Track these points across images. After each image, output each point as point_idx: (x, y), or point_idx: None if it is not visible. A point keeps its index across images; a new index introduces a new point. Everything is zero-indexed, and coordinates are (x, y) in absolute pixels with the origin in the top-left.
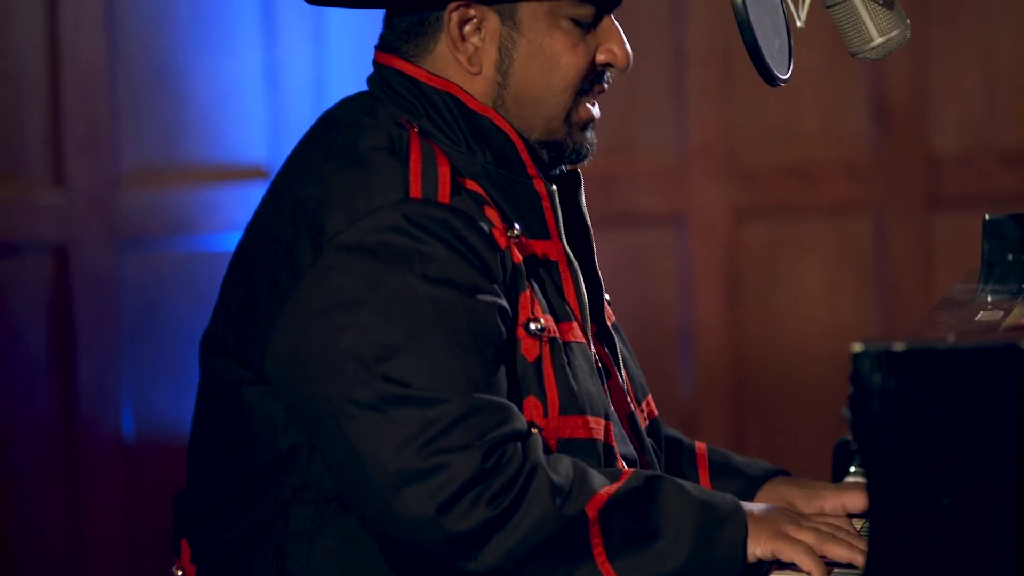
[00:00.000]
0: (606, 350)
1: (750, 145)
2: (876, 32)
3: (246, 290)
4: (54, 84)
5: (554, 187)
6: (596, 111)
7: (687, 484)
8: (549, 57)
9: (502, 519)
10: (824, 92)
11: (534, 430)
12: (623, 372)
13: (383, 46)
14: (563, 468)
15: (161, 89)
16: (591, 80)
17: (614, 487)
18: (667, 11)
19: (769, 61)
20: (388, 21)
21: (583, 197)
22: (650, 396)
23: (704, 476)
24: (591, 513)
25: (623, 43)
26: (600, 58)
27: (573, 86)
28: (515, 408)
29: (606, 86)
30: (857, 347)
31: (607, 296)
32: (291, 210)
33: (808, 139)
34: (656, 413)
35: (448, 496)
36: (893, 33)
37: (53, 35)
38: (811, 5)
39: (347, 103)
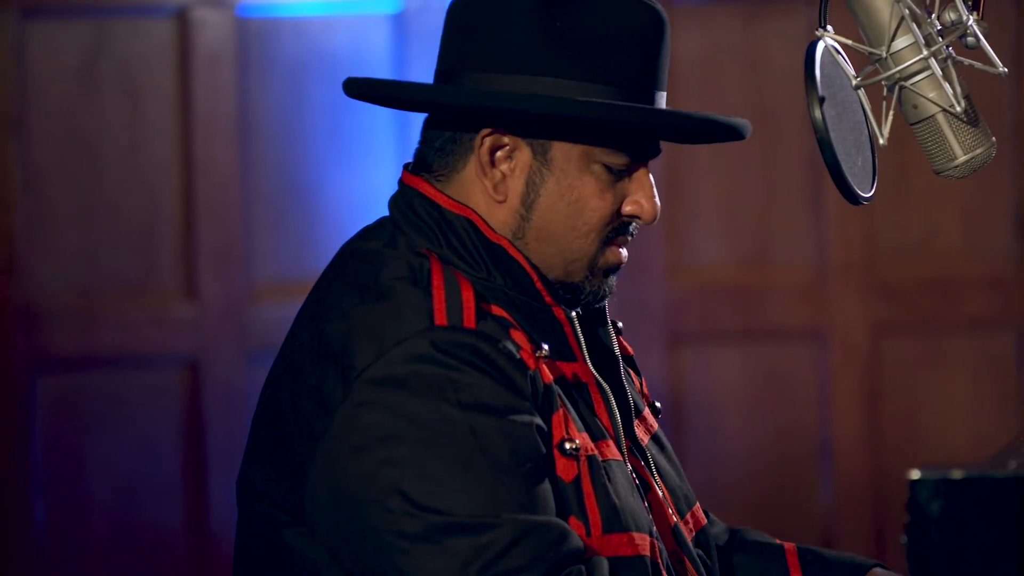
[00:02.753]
0: (641, 464)
1: (891, 259)
2: (960, 150)
3: (277, 432)
4: (187, 198)
5: (573, 313)
6: (624, 254)
7: None
8: (577, 199)
9: None
10: (966, 205)
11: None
12: (661, 485)
13: (413, 164)
14: None
15: (293, 203)
16: (615, 229)
17: None
18: (804, 123)
19: (850, 179)
20: (424, 133)
21: (610, 330)
22: (697, 505)
23: None
24: None
25: (652, 196)
26: (627, 209)
27: (596, 231)
28: (567, 526)
29: (630, 238)
30: (915, 474)
31: (658, 404)
32: (316, 346)
33: (950, 253)
34: (704, 522)
35: None
36: (978, 151)
37: (187, 149)
38: (896, 122)
39: (367, 233)
